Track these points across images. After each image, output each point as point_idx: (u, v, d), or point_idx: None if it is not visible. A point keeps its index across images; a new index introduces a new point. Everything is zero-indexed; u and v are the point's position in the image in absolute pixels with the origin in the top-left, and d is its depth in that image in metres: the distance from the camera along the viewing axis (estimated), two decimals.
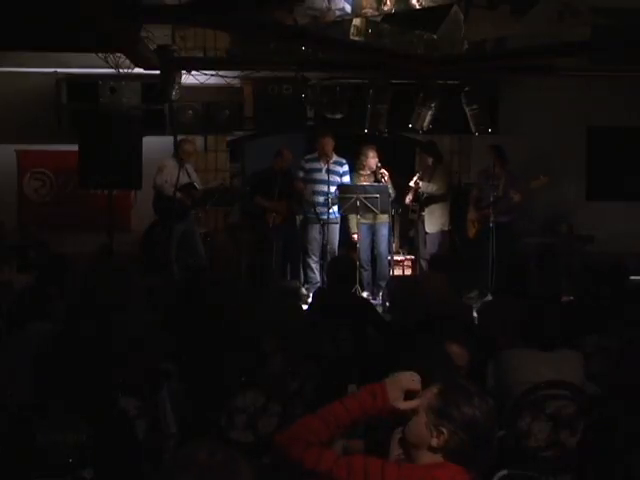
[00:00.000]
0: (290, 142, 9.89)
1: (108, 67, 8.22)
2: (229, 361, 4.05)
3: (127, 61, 8.01)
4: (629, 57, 8.08)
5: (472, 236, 9.18)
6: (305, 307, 6.59)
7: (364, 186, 8.81)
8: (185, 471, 1.81)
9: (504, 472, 3.29)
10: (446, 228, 9.26)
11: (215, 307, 5.09)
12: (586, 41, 7.32)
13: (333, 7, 6.51)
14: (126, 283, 5.37)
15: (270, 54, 8.26)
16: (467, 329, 4.59)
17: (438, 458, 2.34)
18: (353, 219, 9.13)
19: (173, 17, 6.97)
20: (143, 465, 3.43)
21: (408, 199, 9.17)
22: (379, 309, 7.38)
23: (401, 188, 9.21)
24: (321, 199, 8.95)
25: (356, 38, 7.06)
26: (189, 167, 8.85)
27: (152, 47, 7.80)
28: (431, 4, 6.25)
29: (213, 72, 8.90)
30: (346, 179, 9.05)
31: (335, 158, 8.99)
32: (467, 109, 8.79)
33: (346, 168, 9.08)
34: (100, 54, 7.96)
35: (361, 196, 8.53)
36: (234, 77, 9.22)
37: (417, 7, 6.18)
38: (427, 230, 9.14)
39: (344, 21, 6.86)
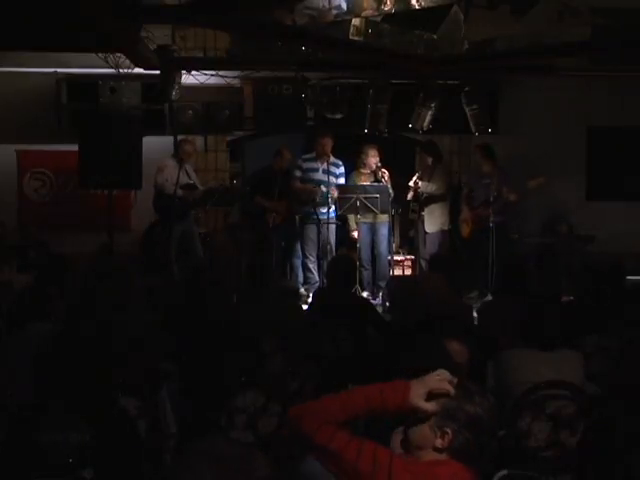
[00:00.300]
0: (290, 142, 9.89)
1: (108, 67, 8.23)
2: (229, 361, 4.05)
3: (127, 61, 8.02)
4: (629, 57, 8.08)
5: (466, 236, 9.19)
6: (305, 307, 6.59)
7: (364, 186, 8.81)
8: (204, 464, 1.81)
9: (504, 472, 3.29)
10: (446, 227, 9.26)
11: (215, 307, 5.09)
12: (586, 41, 7.33)
13: (330, 6, 6.51)
14: (126, 283, 5.37)
15: (270, 54, 8.27)
16: (467, 329, 4.59)
17: (443, 457, 2.35)
18: (352, 218, 9.13)
19: (173, 17, 6.97)
20: (143, 465, 3.43)
21: (409, 195, 9.17)
22: (379, 309, 7.38)
23: (401, 188, 9.21)
24: (318, 199, 8.94)
25: (356, 38, 7.07)
26: (188, 167, 8.85)
27: (152, 47, 7.80)
28: (431, 4, 6.25)
29: (213, 72, 8.91)
30: (341, 181, 9.04)
31: (332, 159, 8.97)
32: (467, 109, 8.80)
33: (342, 170, 9.07)
34: (100, 54, 7.96)
35: (361, 196, 8.53)
36: (234, 77, 9.23)
37: (417, 7, 6.18)
38: (427, 230, 9.13)
39: (344, 21, 6.86)
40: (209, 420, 3.64)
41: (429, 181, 9.10)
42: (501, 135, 9.39)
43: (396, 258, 9.30)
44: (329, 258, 8.46)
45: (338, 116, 8.93)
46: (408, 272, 9.47)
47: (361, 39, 7.11)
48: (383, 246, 9.10)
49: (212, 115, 9.29)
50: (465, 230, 9.20)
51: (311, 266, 9.07)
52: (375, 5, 6.40)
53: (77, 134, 8.53)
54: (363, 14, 6.69)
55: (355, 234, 9.14)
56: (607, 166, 9.88)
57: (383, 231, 9.08)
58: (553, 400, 3.92)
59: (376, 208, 8.59)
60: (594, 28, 7.18)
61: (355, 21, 6.95)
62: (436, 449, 2.36)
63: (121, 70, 8.31)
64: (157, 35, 7.82)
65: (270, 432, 2.88)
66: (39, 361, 3.57)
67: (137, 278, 5.97)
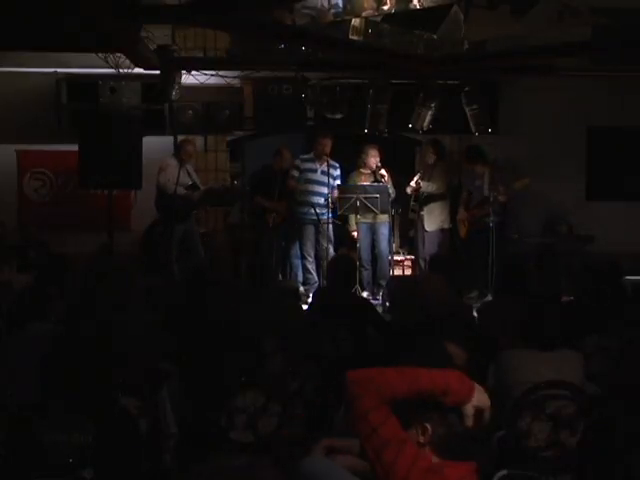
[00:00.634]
0: (290, 142, 9.89)
1: (108, 67, 8.23)
2: (229, 361, 4.05)
3: (127, 61, 8.02)
4: (629, 57, 8.08)
5: (463, 236, 9.21)
6: (305, 307, 6.59)
7: (364, 186, 8.81)
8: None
9: (504, 472, 3.29)
10: (446, 226, 9.27)
11: (215, 307, 5.09)
12: (586, 41, 7.34)
13: (329, 5, 6.52)
14: (126, 283, 5.37)
15: (270, 54, 8.27)
16: (467, 329, 4.59)
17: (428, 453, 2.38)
18: (352, 217, 9.13)
19: (173, 17, 6.98)
20: (143, 465, 3.43)
21: (409, 190, 9.18)
22: (379, 309, 7.38)
23: (401, 188, 9.21)
24: (314, 199, 8.94)
25: (356, 38, 7.07)
26: (189, 167, 8.86)
27: (152, 47, 7.80)
28: (431, 4, 6.25)
29: (213, 72, 8.91)
30: (338, 183, 9.03)
31: (330, 161, 8.96)
32: (467, 109, 8.80)
33: (339, 172, 9.06)
34: (100, 54, 7.97)
35: (361, 196, 8.53)
36: (234, 77, 9.23)
37: (417, 7, 6.18)
38: (426, 228, 9.15)
39: (344, 21, 6.86)
40: (209, 420, 3.64)
41: (429, 180, 9.11)
42: (501, 135, 9.39)
43: (396, 258, 9.30)
44: (328, 259, 8.45)
45: (338, 116, 8.93)
46: (408, 272, 9.47)
47: (361, 39, 7.11)
48: (383, 246, 9.09)
49: (212, 115, 9.29)
50: (462, 230, 9.23)
51: (310, 266, 9.07)
52: (375, 5, 6.40)
53: (77, 134, 8.53)
54: (363, 14, 6.69)
55: (355, 234, 9.14)
56: (607, 166, 9.88)
57: (383, 231, 9.07)
58: (553, 400, 3.92)
59: (376, 208, 8.59)
60: (594, 28, 7.18)
61: (355, 21, 6.94)
62: (419, 444, 2.40)
63: (121, 70, 8.31)
64: (157, 35, 7.82)
65: (270, 432, 2.88)
66: (44, 362, 3.57)
67: (137, 278, 5.97)
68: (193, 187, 8.67)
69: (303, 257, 9.10)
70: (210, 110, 9.28)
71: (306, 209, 8.95)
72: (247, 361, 3.93)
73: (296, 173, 9.07)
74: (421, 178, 9.10)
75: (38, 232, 8.97)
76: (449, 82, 8.95)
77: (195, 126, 9.31)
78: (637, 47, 7.38)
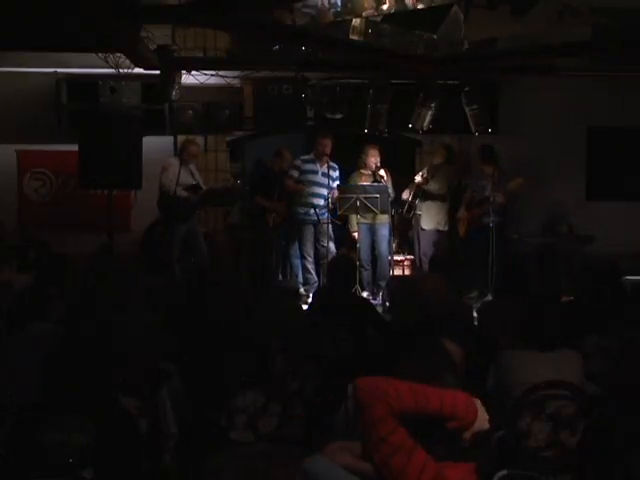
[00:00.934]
0: (290, 142, 9.89)
1: (108, 67, 8.23)
2: (229, 361, 4.05)
3: (127, 61, 8.02)
4: (629, 57, 8.08)
5: (462, 235, 9.22)
6: (305, 307, 6.59)
7: (364, 186, 8.80)
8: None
9: (504, 472, 3.29)
10: (441, 228, 9.28)
11: (215, 307, 5.08)
12: (586, 41, 7.33)
13: (329, 5, 6.52)
14: (126, 283, 5.37)
15: (270, 54, 8.27)
16: (467, 329, 4.59)
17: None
18: (353, 218, 9.13)
19: (173, 17, 6.98)
20: (143, 465, 3.43)
21: (405, 194, 9.19)
22: (379, 309, 7.38)
23: (401, 188, 9.22)
24: (314, 201, 8.93)
25: (356, 38, 7.07)
26: (192, 167, 8.86)
27: (152, 47, 7.80)
28: (431, 4, 6.25)
29: (213, 72, 8.92)
30: (336, 184, 9.03)
31: (330, 162, 8.95)
32: (467, 109, 8.80)
33: (338, 173, 9.06)
34: (100, 54, 7.97)
35: (361, 196, 8.53)
36: (234, 77, 9.23)
37: (417, 7, 6.19)
38: (423, 226, 9.17)
39: (344, 21, 6.87)
40: (209, 420, 3.64)
41: (432, 179, 9.13)
42: (501, 135, 9.39)
43: (396, 258, 9.31)
44: (328, 259, 8.45)
45: (338, 116, 8.93)
46: (408, 272, 9.47)
47: (361, 39, 7.11)
48: (383, 246, 9.09)
49: (212, 115, 9.29)
50: (461, 229, 9.24)
51: (310, 266, 9.06)
52: (375, 5, 6.40)
53: (77, 134, 8.52)
54: (363, 14, 6.69)
55: (355, 235, 9.14)
56: (607, 166, 9.88)
57: (383, 231, 9.07)
58: (553, 400, 3.92)
59: (376, 208, 8.59)
60: (594, 28, 7.18)
61: (355, 21, 6.95)
62: None
63: (121, 70, 8.32)
64: (157, 35, 7.82)
65: (270, 432, 2.88)
66: (44, 361, 3.57)
67: (137, 278, 5.97)
68: (196, 187, 8.67)
69: (303, 257, 9.10)
70: (210, 110, 9.28)
71: (306, 210, 8.95)
72: (247, 361, 3.93)
73: (295, 173, 9.05)
74: (427, 173, 9.12)
75: (38, 232, 8.98)
76: (449, 82, 8.95)
77: (195, 126, 9.31)
78: (637, 47, 7.38)
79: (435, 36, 6.99)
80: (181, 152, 8.84)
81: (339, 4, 6.54)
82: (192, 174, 8.80)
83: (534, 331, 4.19)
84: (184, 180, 8.61)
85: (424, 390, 2.43)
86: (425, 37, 7.24)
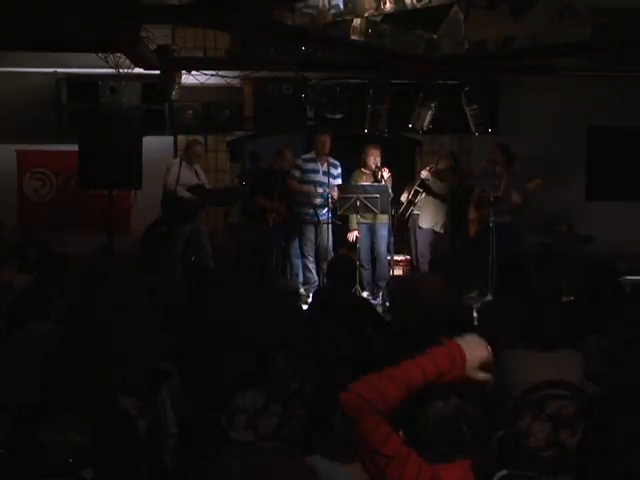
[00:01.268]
0: (290, 142, 9.89)
1: (108, 67, 8.24)
2: (229, 361, 4.05)
3: (127, 61, 8.03)
4: (629, 57, 8.08)
5: (473, 235, 9.17)
6: (305, 307, 6.59)
7: (364, 186, 8.79)
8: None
9: (504, 472, 3.29)
10: (438, 229, 9.25)
11: (215, 307, 5.08)
12: (586, 41, 7.33)
13: (329, 5, 6.53)
14: (126, 283, 5.37)
15: (270, 54, 8.27)
16: (467, 329, 4.58)
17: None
18: (353, 218, 9.13)
19: (173, 17, 6.98)
20: (143, 465, 3.43)
21: (404, 197, 9.19)
22: (379, 309, 7.38)
23: (401, 188, 9.21)
24: (317, 200, 8.93)
25: (356, 38, 7.07)
26: (197, 167, 8.87)
27: (152, 47, 7.81)
28: (431, 4, 6.26)
29: (213, 72, 8.92)
30: (339, 182, 9.02)
31: (331, 160, 8.94)
32: (467, 109, 8.80)
33: (340, 170, 9.04)
34: (100, 54, 7.97)
35: (361, 196, 8.52)
36: (234, 77, 9.23)
37: (417, 7, 6.19)
38: (420, 225, 9.16)
39: (344, 21, 6.87)
40: (209, 420, 3.64)
41: (436, 178, 9.13)
42: (501, 135, 9.38)
43: (396, 258, 9.29)
44: (328, 259, 8.44)
45: (338, 116, 8.93)
46: (408, 272, 9.46)
47: (361, 39, 7.12)
48: (383, 247, 9.08)
49: (212, 115, 9.29)
50: (472, 229, 9.18)
51: (310, 266, 9.06)
52: (375, 5, 6.40)
53: (77, 134, 8.52)
54: (363, 14, 6.70)
55: (355, 234, 9.13)
56: (607, 166, 9.88)
57: (383, 232, 9.06)
58: (553, 400, 3.91)
59: (376, 208, 8.58)
60: (594, 28, 7.18)
61: (355, 21, 6.95)
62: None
63: (121, 70, 8.32)
64: (157, 35, 7.83)
65: (270, 432, 2.88)
66: (44, 362, 3.57)
67: (137, 278, 5.97)
68: (199, 187, 8.67)
69: (303, 257, 9.09)
70: (210, 110, 9.29)
71: (307, 209, 8.95)
72: (247, 361, 3.93)
73: (297, 173, 9.03)
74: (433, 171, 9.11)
75: (38, 232, 8.98)
76: (449, 82, 8.95)
77: (195, 126, 9.31)
78: (637, 47, 7.39)
79: (435, 36, 7.00)
80: (186, 152, 8.84)
81: (340, 5, 6.54)
82: (197, 174, 8.80)
83: (534, 331, 4.19)
84: (187, 180, 8.62)
85: (403, 370, 2.39)
86: (425, 37, 7.25)
